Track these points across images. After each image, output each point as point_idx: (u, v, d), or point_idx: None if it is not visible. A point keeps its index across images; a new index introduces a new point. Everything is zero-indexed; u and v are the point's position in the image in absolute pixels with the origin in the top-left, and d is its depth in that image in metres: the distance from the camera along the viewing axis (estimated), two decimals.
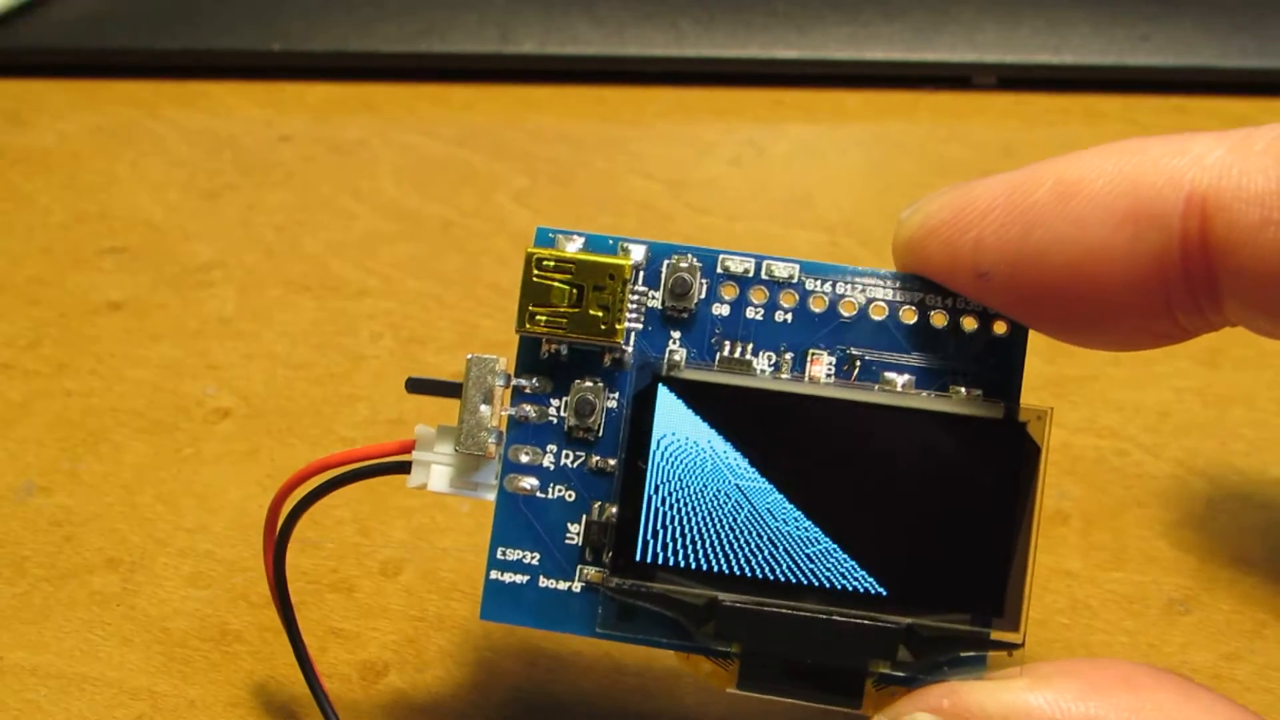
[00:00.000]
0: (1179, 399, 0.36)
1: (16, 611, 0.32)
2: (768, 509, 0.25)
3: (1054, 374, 0.36)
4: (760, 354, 0.26)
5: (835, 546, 0.25)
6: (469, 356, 0.25)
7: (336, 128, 0.44)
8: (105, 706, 0.30)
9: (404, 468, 0.26)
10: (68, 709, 0.30)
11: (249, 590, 0.32)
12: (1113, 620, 0.31)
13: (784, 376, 0.25)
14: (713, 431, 0.25)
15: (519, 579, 0.26)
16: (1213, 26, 0.43)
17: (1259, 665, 0.30)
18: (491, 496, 0.26)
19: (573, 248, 0.26)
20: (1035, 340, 0.25)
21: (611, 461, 0.26)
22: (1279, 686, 0.30)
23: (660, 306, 0.26)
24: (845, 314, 0.26)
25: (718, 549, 0.25)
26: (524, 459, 0.26)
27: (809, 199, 0.42)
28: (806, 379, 0.25)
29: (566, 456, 0.26)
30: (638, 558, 0.25)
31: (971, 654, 0.24)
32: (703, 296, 0.26)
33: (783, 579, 0.25)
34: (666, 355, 0.26)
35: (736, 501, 0.25)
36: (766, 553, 0.25)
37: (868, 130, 0.44)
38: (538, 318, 0.25)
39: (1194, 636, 0.31)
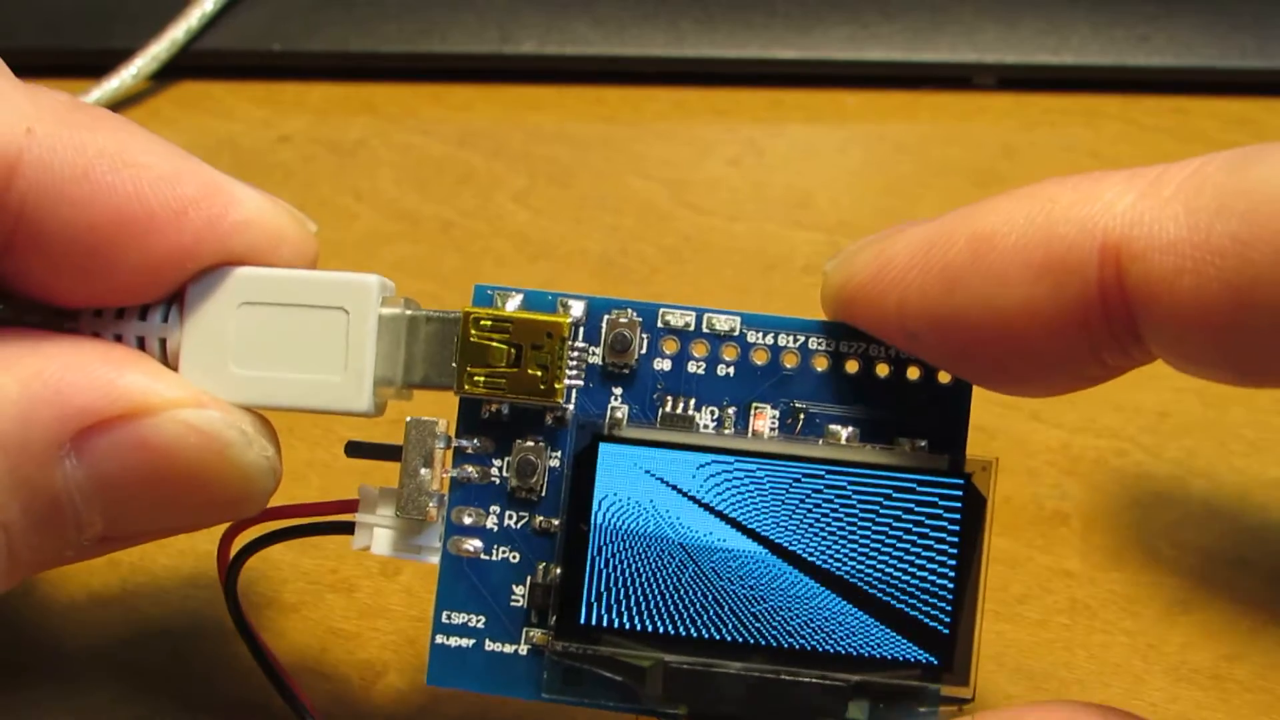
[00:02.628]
0: (1179, 399, 0.36)
1: (18, 612, 0.32)
2: (713, 568, 0.25)
3: None
4: (703, 409, 0.25)
5: (782, 604, 0.24)
6: (408, 419, 0.25)
7: (336, 128, 0.44)
8: (106, 706, 0.30)
9: (348, 528, 0.26)
10: (69, 709, 0.30)
11: (248, 590, 0.32)
12: (1112, 620, 0.31)
13: (727, 432, 0.25)
14: (655, 490, 0.25)
15: (465, 643, 0.26)
16: (1213, 26, 0.43)
17: (1259, 665, 0.30)
18: (435, 560, 0.26)
19: (511, 305, 0.25)
20: None
21: (555, 522, 0.25)
22: (1279, 686, 0.30)
23: (601, 363, 0.26)
24: (788, 366, 0.25)
25: (663, 610, 0.25)
26: (467, 520, 0.26)
27: (809, 199, 0.42)
28: (750, 434, 0.25)
29: (510, 517, 0.26)
30: (582, 620, 0.25)
31: (923, 710, 0.24)
32: (644, 352, 0.26)
33: (730, 639, 0.24)
34: (608, 413, 0.25)
35: (681, 561, 0.25)
36: (712, 612, 0.24)
37: (868, 130, 0.44)
38: (476, 378, 0.25)
39: (1194, 636, 0.31)
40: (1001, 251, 0.22)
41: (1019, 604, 0.32)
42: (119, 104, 0.44)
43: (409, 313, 0.25)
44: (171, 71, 0.45)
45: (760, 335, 0.26)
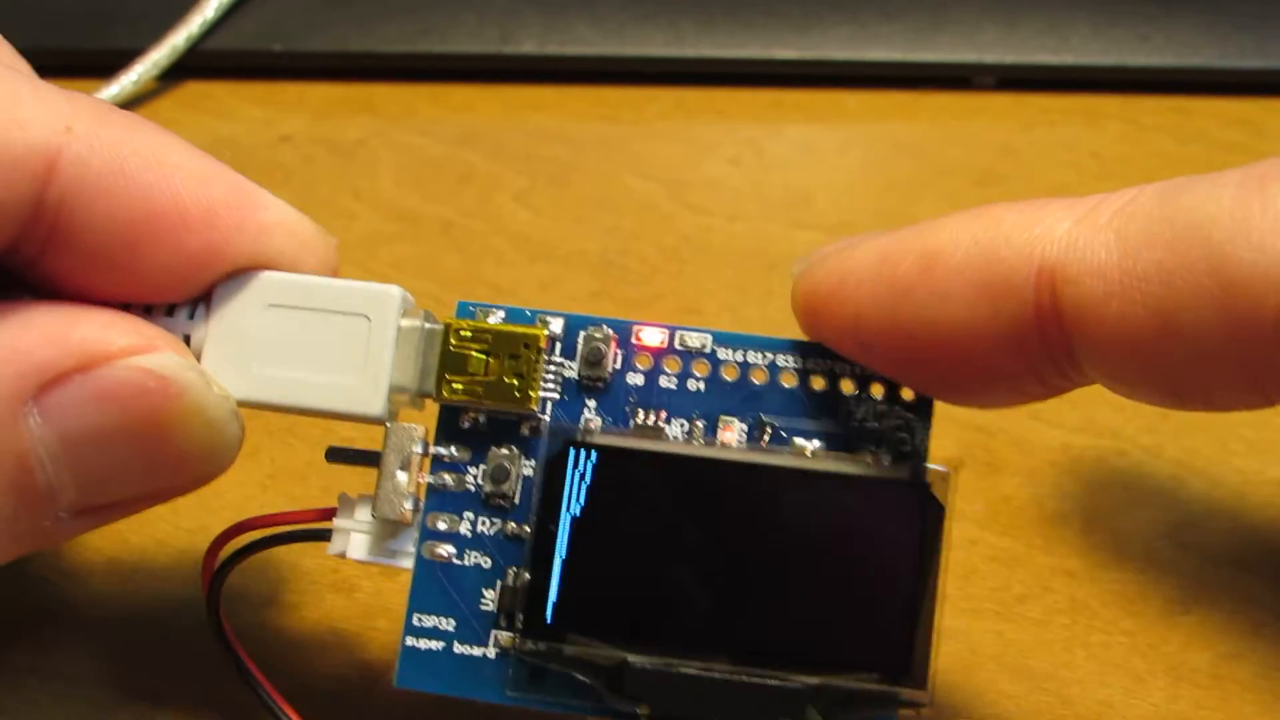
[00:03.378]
0: None
1: (17, 611, 0.32)
2: (677, 570, 0.25)
3: None
4: (673, 421, 0.26)
5: (746, 608, 0.25)
6: (388, 424, 0.26)
7: (336, 128, 0.44)
8: (105, 706, 0.30)
9: (325, 535, 0.26)
10: (68, 709, 0.30)
11: (248, 591, 0.32)
12: (1112, 620, 0.31)
13: (696, 442, 0.26)
14: (624, 495, 0.25)
15: (434, 645, 0.26)
16: (1213, 26, 0.43)
17: (1259, 665, 0.30)
18: (409, 564, 0.26)
19: (493, 320, 0.26)
20: None
21: (527, 528, 0.26)
22: (1278, 686, 0.30)
23: (576, 376, 0.26)
24: (756, 382, 0.26)
25: (628, 610, 0.25)
26: (442, 526, 0.26)
27: (809, 199, 0.42)
28: (718, 444, 0.26)
29: (483, 523, 0.26)
30: (549, 620, 0.25)
31: (881, 714, 0.25)
32: (617, 367, 0.26)
33: (693, 640, 0.25)
34: (582, 422, 0.26)
35: (646, 563, 0.25)
36: (676, 614, 0.25)
37: (868, 130, 0.44)
38: (454, 386, 0.26)
39: (1193, 636, 0.31)
40: (947, 269, 0.23)
41: (1019, 604, 0.32)
42: (123, 106, 0.44)
43: (427, 325, 0.26)
44: (173, 72, 0.45)
45: (730, 352, 0.26)
